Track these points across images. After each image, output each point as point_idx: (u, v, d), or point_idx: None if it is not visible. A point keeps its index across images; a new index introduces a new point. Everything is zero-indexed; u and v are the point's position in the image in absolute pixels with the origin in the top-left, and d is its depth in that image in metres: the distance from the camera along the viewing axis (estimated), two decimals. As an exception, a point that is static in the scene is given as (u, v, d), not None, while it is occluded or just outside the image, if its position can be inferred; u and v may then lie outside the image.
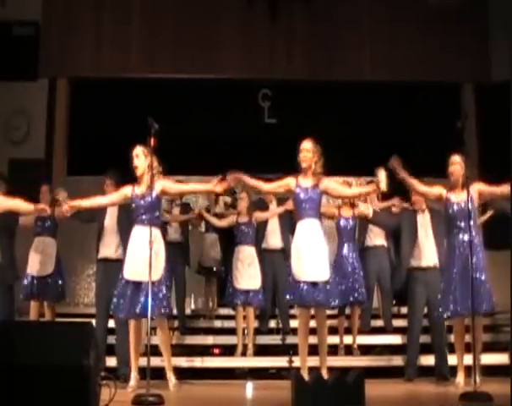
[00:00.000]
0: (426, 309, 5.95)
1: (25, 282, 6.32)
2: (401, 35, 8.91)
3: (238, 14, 8.93)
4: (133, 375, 5.00)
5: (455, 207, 5.15)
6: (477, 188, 5.20)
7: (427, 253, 5.79)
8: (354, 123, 8.83)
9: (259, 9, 8.87)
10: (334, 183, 5.26)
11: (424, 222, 5.87)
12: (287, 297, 4.98)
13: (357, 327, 6.61)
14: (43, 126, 8.71)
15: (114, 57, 8.81)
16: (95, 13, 8.86)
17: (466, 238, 4.96)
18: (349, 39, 8.96)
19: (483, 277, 5.04)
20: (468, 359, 5.07)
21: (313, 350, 5.03)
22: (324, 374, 4.74)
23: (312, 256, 4.91)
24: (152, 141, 4.74)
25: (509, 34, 8.25)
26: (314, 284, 4.88)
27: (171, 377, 5.09)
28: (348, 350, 6.51)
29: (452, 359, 5.62)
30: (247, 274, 6.50)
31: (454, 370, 5.43)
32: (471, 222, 4.92)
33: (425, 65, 8.82)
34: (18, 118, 8.61)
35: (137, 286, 4.87)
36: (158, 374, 5.11)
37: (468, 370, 5.13)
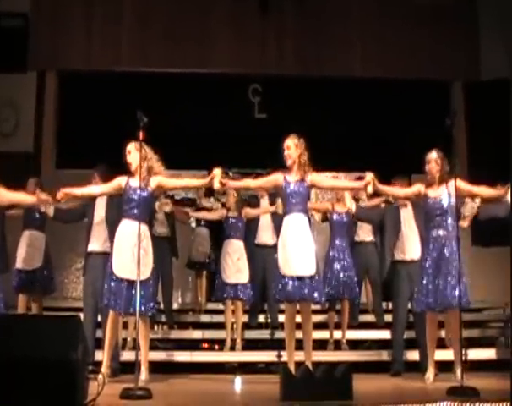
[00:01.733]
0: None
1: (13, 275, 6.31)
2: (392, 33, 8.93)
3: (229, 9, 8.91)
4: (104, 369, 4.86)
5: (431, 202, 5.17)
6: (457, 184, 5.21)
7: (411, 246, 5.81)
8: (344, 118, 8.85)
9: (250, 4, 8.85)
10: (321, 176, 5.23)
11: (407, 216, 5.90)
12: (274, 293, 4.99)
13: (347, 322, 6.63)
14: (32, 119, 8.64)
15: (104, 50, 8.75)
16: (86, 6, 8.79)
17: (441, 232, 5.03)
18: (339, 35, 8.97)
19: (454, 272, 4.96)
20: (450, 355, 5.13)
21: (301, 345, 5.04)
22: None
23: (298, 251, 4.91)
24: (141, 135, 4.72)
25: (504, 32, 8.29)
26: (300, 279, 4.88)
27: (144, 372, 4.97)
28: (337, 345, 6.54)
29: (441, 354, 5.67)
30: (236, 268, 6.51)
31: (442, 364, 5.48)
32: (449, 218, 5.04)
33: (415, 62, 8.86)
34: (6, 111, 8.55)
35: (129, 283, 4.84)
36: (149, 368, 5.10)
37: (439, 365, 5.22)
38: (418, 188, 5.33)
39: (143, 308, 4.78)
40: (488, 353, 6.19)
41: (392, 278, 5.94)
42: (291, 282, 4.87)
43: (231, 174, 9.22)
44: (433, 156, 5.22)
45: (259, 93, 9.14)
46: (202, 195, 7.69)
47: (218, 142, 8.66)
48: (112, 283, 4.91)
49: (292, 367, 4.78)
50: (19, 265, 6.35)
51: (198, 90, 8.72)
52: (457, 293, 4.88)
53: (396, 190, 5.60)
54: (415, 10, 8.91)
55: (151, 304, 5.00)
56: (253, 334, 6.73)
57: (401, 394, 4.85)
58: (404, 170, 7.30)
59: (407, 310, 5.93)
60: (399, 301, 5.87)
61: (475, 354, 5.82)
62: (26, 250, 6.38)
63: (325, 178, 5.43)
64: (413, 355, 5.96)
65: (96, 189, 5.34)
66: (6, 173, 6.91)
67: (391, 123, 8.84)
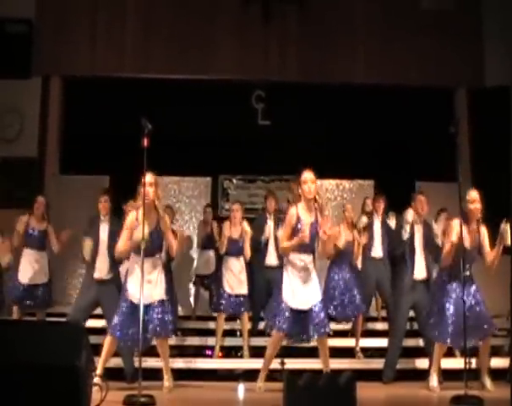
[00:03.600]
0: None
1: (14, 289, 6.37)
2: (395, 39, 8.93)
3: (232, 16, 8.92)
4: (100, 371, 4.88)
5: (469, 250, 5.21)
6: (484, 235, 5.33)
7: (418, 266, 5.83)
8: (347, 125, 8.83)
9: (253, 11, 8.86)
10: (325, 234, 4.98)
11: (418, 234, 5.90)
12: (276, 323, 5.00)
13: (360, 331, 6.66)
14: (36, 125, 8.65)
15: (108, 56, 8.77)
16: (90, 12, 8.81)
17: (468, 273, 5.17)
18: (342, 42, 8.97)
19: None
20: (459, 363, 5.12)
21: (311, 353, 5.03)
22: None
23: (305, 292, 4.99)
24: (146, 141, 4.72)
25: (508, 39, 8.29)
26: (306, 313, 4.95)
27: (169, 380, 5.09)
28: (351, 353, 6.56)
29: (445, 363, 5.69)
30: (237, 280, 6.54)
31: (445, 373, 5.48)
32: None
33: (418, 69, 8.85)
34: (10, 116, 8.55)
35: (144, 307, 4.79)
36: (150, 375, 5.13)
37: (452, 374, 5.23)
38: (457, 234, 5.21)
39: (159, 329, 4.91)
40: (492, 362, 6.16)
41: (394, 295, 5.99)
42: (294, 321, 4.94)
43: (234, 181, 9.26)
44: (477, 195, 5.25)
45: (263, 100, 9.15)
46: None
47: (222, 148, 8.66)
48: (128, 315, 4.92)
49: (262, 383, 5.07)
50: (22, 280, 6.37)
51: (202, 96, 8.72)
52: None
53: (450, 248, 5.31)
54: (418, 17, 8.92)
55: (169, 326, 5.06)
56: (256, 341, 6.71)
57: (404, 403, 4.83)
58: (407, 177, 7.32)
59: (407, 319, 5.96)
60: (399, 313, 5.86)
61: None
62: (31, 268, 6.41)
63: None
64: (413, 363, 5.97)
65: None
66: (10, 179, 6.95)
67: (395, 130, 8.83)
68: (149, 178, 4.89)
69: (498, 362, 6.11)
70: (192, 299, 7.94)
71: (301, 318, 4.95)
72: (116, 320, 4.96)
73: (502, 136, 6.49)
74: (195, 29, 8.87)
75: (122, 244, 5.00)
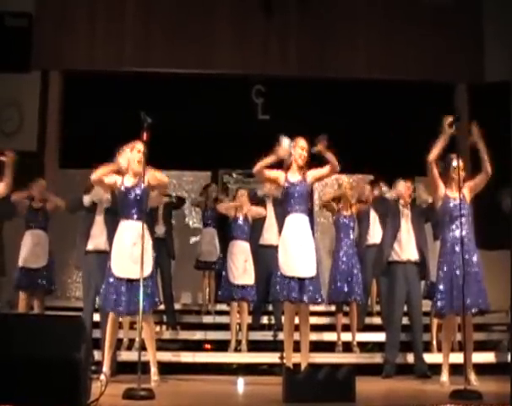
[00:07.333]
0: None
1: (17, 274, 6.34)
2: (396, 34, 8.92)
3: (232, 10, 8.91)
4: (105, 369, 4.86)
5: (452, 203, 5.12)
6: (468, 185, 5.25)
7: (408, 247, 5.81)
8: (347, 120, 8.82)
9: (253, 5, 8.84)
10: (316, 171, 5.21)
11: (406, 215, 5.89)
12: (276, 291, 4.97)
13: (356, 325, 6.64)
14: (35, 118, 8.64)
15: (108, 50, 8.76)
16: (89, 6, 8.80)
17: (459, 234, 4.96)
18: (343, 36, 8.96)
19: (480, 275, 5.07)
20: (458, 358, 5.11)
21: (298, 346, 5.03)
22: None
23: (299, 252, 4.92)
24: (145, 135, 4.71)
25: (508, 34, 8.27)
26: (301, 280, 4.89)
27: (155, 373, 4.96)
28: (347, 347, 6.54)
29: (432, 358, 5.67)
30: (243, 269, 6.53)
31: (434, 368, 5.46)
32: (463, 219, 4.98)
33: (419, 64, 8.84)
34: (10, 110, 8.54)
35: (130, 283, 4.79)
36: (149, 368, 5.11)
37: (452, 369, 5.18)
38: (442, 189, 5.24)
39: (146, 307, 4.75)
40: (490, 357, 6.18)
41: (388, 279, 5.95)
42: (293, 284, 4.87)
43: (234, 175, 9.26)
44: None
45: (263, 94, 9.14)
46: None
47: (221, 143, 8.66)
48: (111, 284, 4.84)
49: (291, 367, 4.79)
50: (22, 263, 6.36)
51: (202, 90, 8.72)
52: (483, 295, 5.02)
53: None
54: (419, 12, 8.90)
55: (154, 302, 4.97)
56: (255, 335, 6.72)
57: (404, 397, 4.84)
58: (407, 172, 7.26)
59: (402, 312, 5.93)
60: (395, 303, 5.82)
61: (477, 358, 5.79)
62: (31, 250, 6.40)
63: (318, 172, 5.26)
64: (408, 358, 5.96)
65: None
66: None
67: (395, 125, 8.83)
68: (140, 146, 4.86)
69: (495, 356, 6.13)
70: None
71: (298, 283, 4.88)
72: (106, 294, 4.87)
73: (502, 132, 6.48)
74: (195, 23, 8.85)
75: (101, 170, 4.97)
